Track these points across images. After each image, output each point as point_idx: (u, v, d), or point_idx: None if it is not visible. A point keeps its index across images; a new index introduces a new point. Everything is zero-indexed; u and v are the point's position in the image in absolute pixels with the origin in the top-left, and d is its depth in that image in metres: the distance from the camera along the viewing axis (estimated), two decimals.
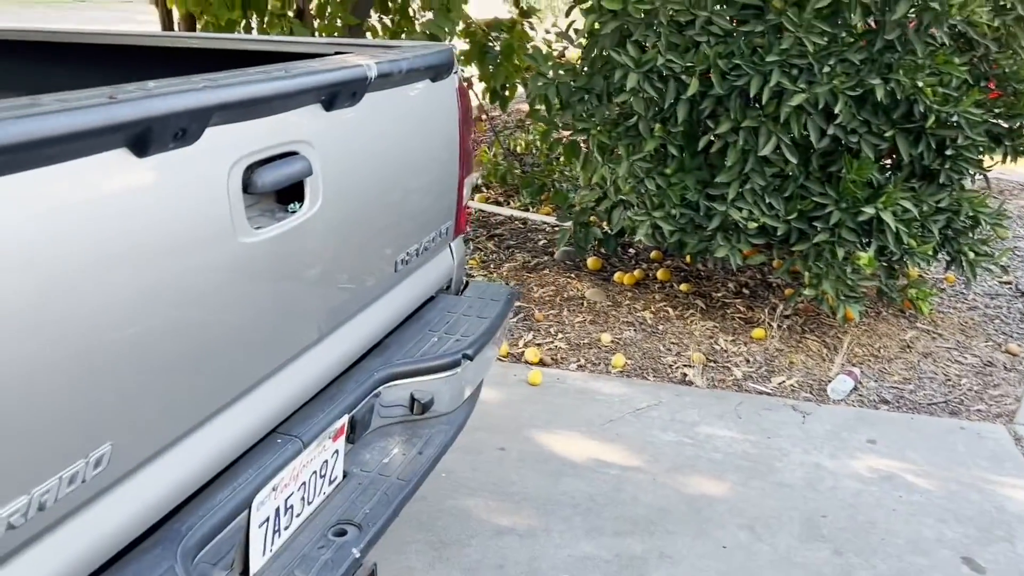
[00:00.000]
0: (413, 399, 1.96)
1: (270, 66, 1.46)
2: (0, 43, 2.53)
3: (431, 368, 1.96)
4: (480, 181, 6.23)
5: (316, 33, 4.79)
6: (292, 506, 1.61)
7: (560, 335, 3.97)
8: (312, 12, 5.01)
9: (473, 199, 5.94)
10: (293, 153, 1.49)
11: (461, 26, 5.13)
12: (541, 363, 3.70)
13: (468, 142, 2.31)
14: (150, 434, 1.24)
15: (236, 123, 1.32)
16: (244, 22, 4.63)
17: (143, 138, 1.12)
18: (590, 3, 3.76)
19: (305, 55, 2.12)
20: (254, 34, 4.80)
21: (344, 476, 1.80)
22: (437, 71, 2.04)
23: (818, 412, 3.38)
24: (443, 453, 1.97)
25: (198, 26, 4.72)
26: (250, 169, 1.37)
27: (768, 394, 3.52)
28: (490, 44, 5.18)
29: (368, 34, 5.47)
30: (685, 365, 3.71)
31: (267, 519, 1.52)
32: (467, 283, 2.48)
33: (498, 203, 5.91)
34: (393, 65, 1.76)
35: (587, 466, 2.94)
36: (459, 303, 2.30)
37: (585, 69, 4.03)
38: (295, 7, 5.02)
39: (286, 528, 1.60)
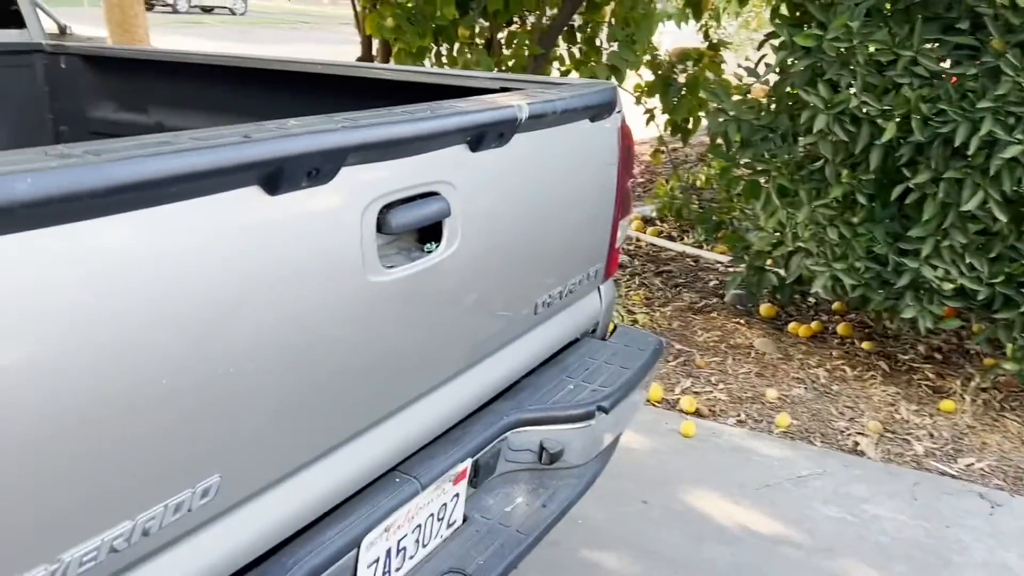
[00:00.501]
0: (542, 447, 1.89)
1: (417, 105, 1.46)
2: (212, 68, 2.74)
3: (563, 417, 1.89)
4: (654, 214, 6.09)
5: (502, 63, 4.87)
6: (405, 548, 1.58)
7: (721, 385, 3.76)
8: (501, 41, 5.10)
9: (645, 232, 5.82)
10: (433, 194, 1.47)
11: (647, 57, 5.04)
12: (697, 413, 3.52)
13: (626, 184, 2.22)
14: (261, 468, 1.25)
15: (373, 163, 1.32)
16: (435, 49, 4.78)
17: (275, 177, 1.14)
18: (782, 39, 3.57)
19: (468, 89, 2.13)
20: (442, 59, 4.95)
21: (464, 520, 1.75)
22: (597, 111, 1.97)
23: (1011, 504, 2.98)
24: (568, 508, 1.89)
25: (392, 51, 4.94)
26: (386, 209, 1.36)
27: (952, 476, 3.15)
28: (674, 76, 5.05)
29: (556, 63, 5.51)
30: (858, 433, 3.40)
31: (377, 560, 1.50)
32: (615, 328, 2.39)
33: (671, 238, 5.74)
34: (547, 106, 1.71)
35: (734, 532, 2.74)
36: (603, 349, 2.21)
37: (771, 107, 3.82)
38: (485, 36, 5.14)
39: (397, 570, 1.57)
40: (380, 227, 1.35)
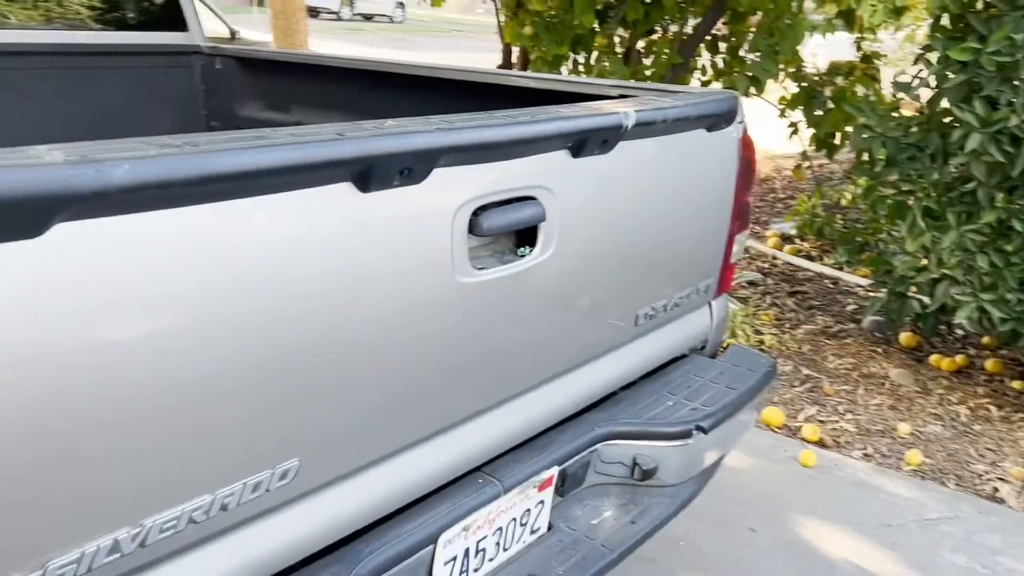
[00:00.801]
0: (635, 463, 1.85)
1: (518, 111, 1.46)
2: (349, 71, 2.87)
3: (658, 433, 1.84)
4: (793, 232, 5.85)
5: (640, 72, 4.82)
6: (484, 549, 1.59)
7: (849, 415, 3.56)
8: (641, 50, 5.05)
9: (782, 250, 5.60)
10: (529, 198, 1.47)
11: (791, 69, 4.85)
12: (820, 443, 3.34)
13: (746, 197, 2.14)
14: (341, 457, 1.29)
15: (468, 165, 1.33)
16: (572, 58, 4.79)
17: (366, 174, 1.17)
18: (939, 53, 3.34)
19: (586, 96, 2.12)
20: (579, 68, 4.95)
21: (549, 528, 1.74)
22: (714, 120, 1.91)
23: None
24: (659, 528, 1.84)
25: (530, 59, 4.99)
26: (479, 211, 1.37)
27: None
28: (819, 89, 4.83)
29: (697, 73, 5.40)
30: (999, 478, 3.14)
31: (454, 558, 1.51)
32: (727, 346, 2.30)
33: (809, 257, 5.50)
34: (656, 114, 1.68)
35: (845, 571, 2.59)
36: (710, 367, 2.14)
37: (921, 124, 3.59)
38: (627, 45, 5.10)
39: (476, 570, 1.58)
40: (472, 229, 1.36)
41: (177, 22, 3.37)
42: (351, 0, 29.66)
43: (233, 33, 9.82)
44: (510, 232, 1.51)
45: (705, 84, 5.27)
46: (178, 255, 1.01)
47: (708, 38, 5.20)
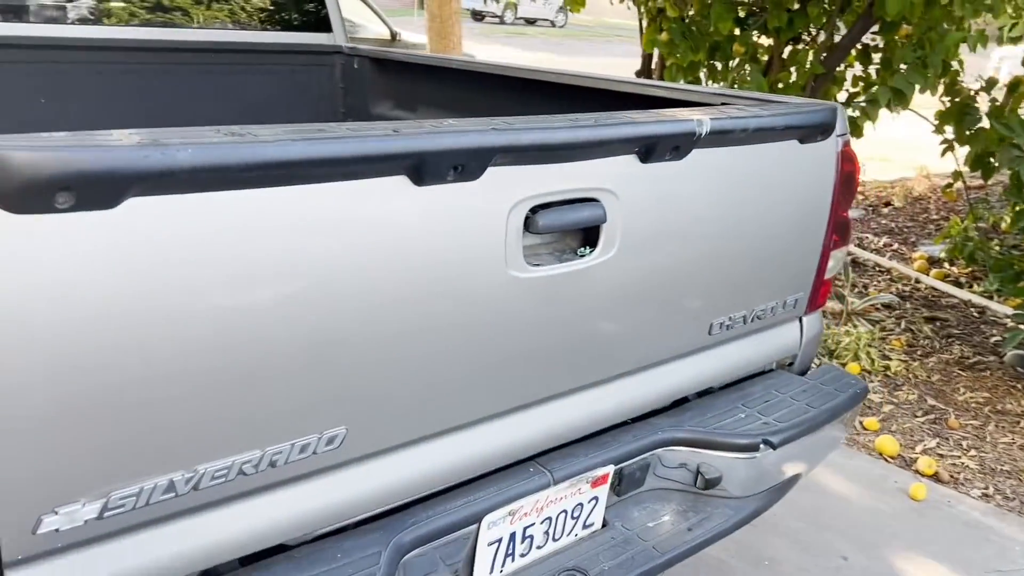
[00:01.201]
0: (698, 471, 1.84)
1: (584, 115, 1.50)
2: (474, 74, 3.00)
3: (722, 444, 1.83)
4: (942, 255, 5.50)
5: (779, 81, 4.68)
6: (531, 536, 1.64)
7: (973, 452, 3.34)
8: (784, 58, 4.90)
9: (928, 273, 5.28)
10: (592, 200, 1.51)
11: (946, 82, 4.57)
12: (935, 477, 3.16)
13: (844, 212, 2.08)
14: (388, 431, 1.38)
15: (525, 165, 1.39)
16: (708, 64, 4.72)
17: (419, 169, 1.25)
18: None
19: (686, 103, 2.12)
20: (716, 76, 4.88)
21: (603, 525, 1.77)
22: (807, 132, 1.87)
23: None
24: (716, 539, 1.83)
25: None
26: (536, 209, 1.43)
27: None
28: (973, 105, 4.52)
29: (846, 84, 5.17)
30: None
31: (499, 540, 1.58)
32: (819, 365, 2.24)
33: (957, 283, 5.16)
34: (734, 122, 1.67)
35: None
36: (793, 384, 2.09)
37: None
38: (769, 53, 4.96)
39: (522, 556, 1.64)
40: (527, 226, 1.42)
41: (323, 24, 3.61)
42: (515, 4, 30.22)
43: (394, 35, 10.31)
44: (575, 232, 1.56)
45: (852, 96, 5.04)
46: (236, 233, 1.13)
47: (859, 47, 4.97)
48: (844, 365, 3.89)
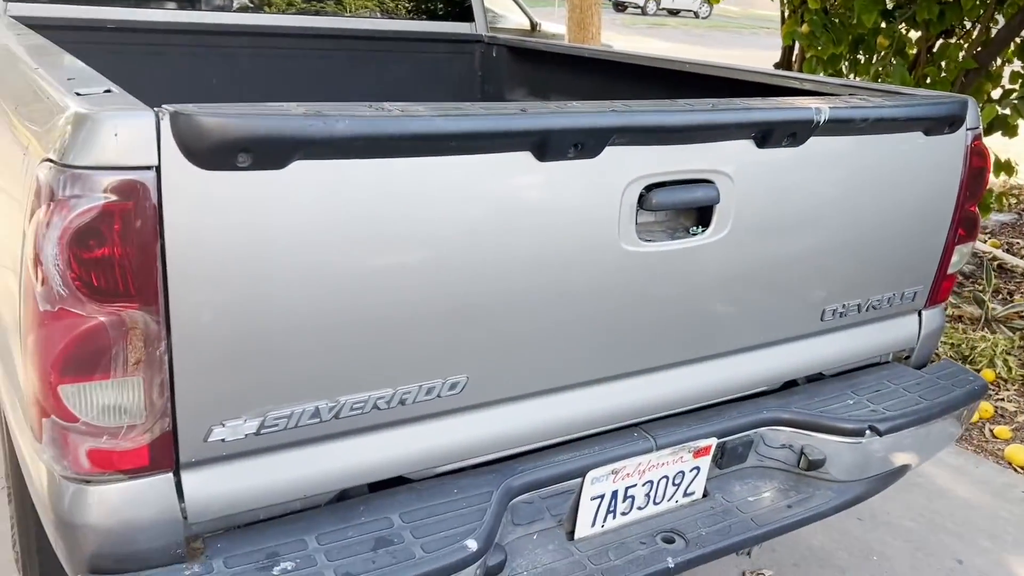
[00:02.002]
0: (802, 452, 1.89)
1: (701, 100, 1.59)
2: (603, 62, 3.11)
3: (826, 427, 1.87)
4: None
5: (926, 76, 4.51)
6: (633, 497, 1.75)
7: None
8: (932, 52, 4.72)
9: None
10: (706, 181, 1.59)
11: None
12: None
13: (970, 206, 2.06)
14: (503, 382, 1.52)
15: (642, 146, 1.49)
16: (850, 57, 4.61)
17: (542, 145, 1.38)
18: None
19: (810, 92, 2.16)
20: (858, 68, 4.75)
21: (704, 495, 1.86)
22: (933, 125, 1.87)
23: None
24: (815, 519, 1.88)
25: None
26: (651, 187, 1.53)
27: None
28: None
29: (1004, 81, 4.93)
30: None
31: (601, 496, 1.69)
32: (939, 359, 2.22)
33: None
34: (855, 112, 1.70)
35: None
36: (907, 376, 2.09)
37: None
38: (920, 45, 4.78)
39: (623, 514, 1.75)
40: (641, 203, 1.53)
41: (465, 14, 3.80)
42: None
43: (534, 25, 10.49)
44: (689, 212, 1.65)
45: (1007, 93, 4.80)
46: (382, 197, 1.30)
47: (1017, 41, 4.72)
48: (977, 371, 3.75)
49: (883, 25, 4.47)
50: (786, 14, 5.24)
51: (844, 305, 1.94)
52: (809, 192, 1.76)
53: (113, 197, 1.12)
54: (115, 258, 1.13)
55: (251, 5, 3.36)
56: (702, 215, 1.64)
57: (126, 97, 1.27)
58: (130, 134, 1.12)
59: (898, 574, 2.55)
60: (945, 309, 2.23)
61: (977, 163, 2.02)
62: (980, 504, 2.92)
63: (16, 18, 2.66)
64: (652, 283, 1.59)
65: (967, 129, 1.97)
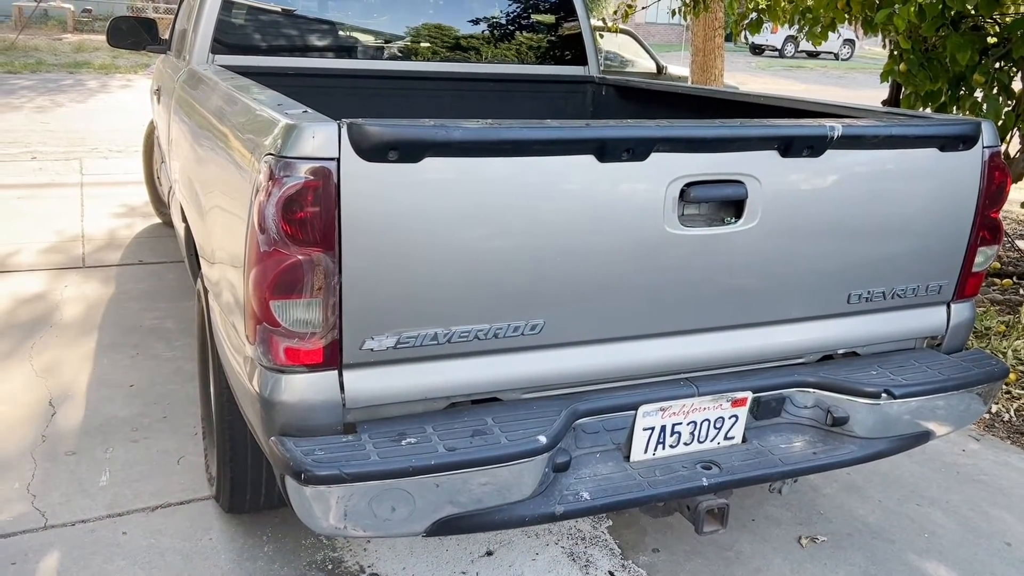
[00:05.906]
0: (828, 410, 2.28)
1: (732, 119, 2.06)
2: (696, 99, 3.61)
3: (847, 388, 2.26)
4: None
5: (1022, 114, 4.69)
6: (679, 433, 2.20)
7: None
8: None
9: None
10: (737, 182, 2.06)
11: None
12: None
13: (991, 214, 2.40)
14: (573, 329, 2.02)
15: (682, 152, 1.98)
16: (949, 93, 4.86)
17: (601, 150, 1.90)
18: None
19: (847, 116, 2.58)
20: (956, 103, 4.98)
21: (744, 441, 2.28)
22: (946, 143, 2.25)
23: None
24: (835, 465, 2.25)
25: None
26: (691, 184, 2.01)
27: None
28: None
29: None
30: None
31: (651, 428, 2.16)
32: (969, 349, 2.54)
33: None
34: (866, 129, 2.13)
35: None
36: (935, 360, 2.43)
37: None
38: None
39: (671, 447, 2.20)
40: (682, 196, 2.01)
41: (580, 58, 4.39)
42: (796, 38, 29.67)
43: (660, 68, 11.01)
44: (726, 206, 2.11)
45: None
46: (487, 182, 1.85)
47: None
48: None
49: (981, 61, 4.70)
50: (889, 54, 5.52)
51: (869, 291, 2.33)
52: (830, 194, 2.18)
53: (310, 177, 1.73)
54: (309, 217, 1.74)
55: (399, 55, 4.07)
56: (736, 208, 2.10)
57: (317, 114, 1.89)
58: (321, 137, 1.73)
59: (946, 551, 2.83)
60: (975, 304, 2.55)
61: (998, 176, 2.37)
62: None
63: (223, 66, 3.46)
64: (691, 259, 2.07)
65: (984, 147, 2.33)
